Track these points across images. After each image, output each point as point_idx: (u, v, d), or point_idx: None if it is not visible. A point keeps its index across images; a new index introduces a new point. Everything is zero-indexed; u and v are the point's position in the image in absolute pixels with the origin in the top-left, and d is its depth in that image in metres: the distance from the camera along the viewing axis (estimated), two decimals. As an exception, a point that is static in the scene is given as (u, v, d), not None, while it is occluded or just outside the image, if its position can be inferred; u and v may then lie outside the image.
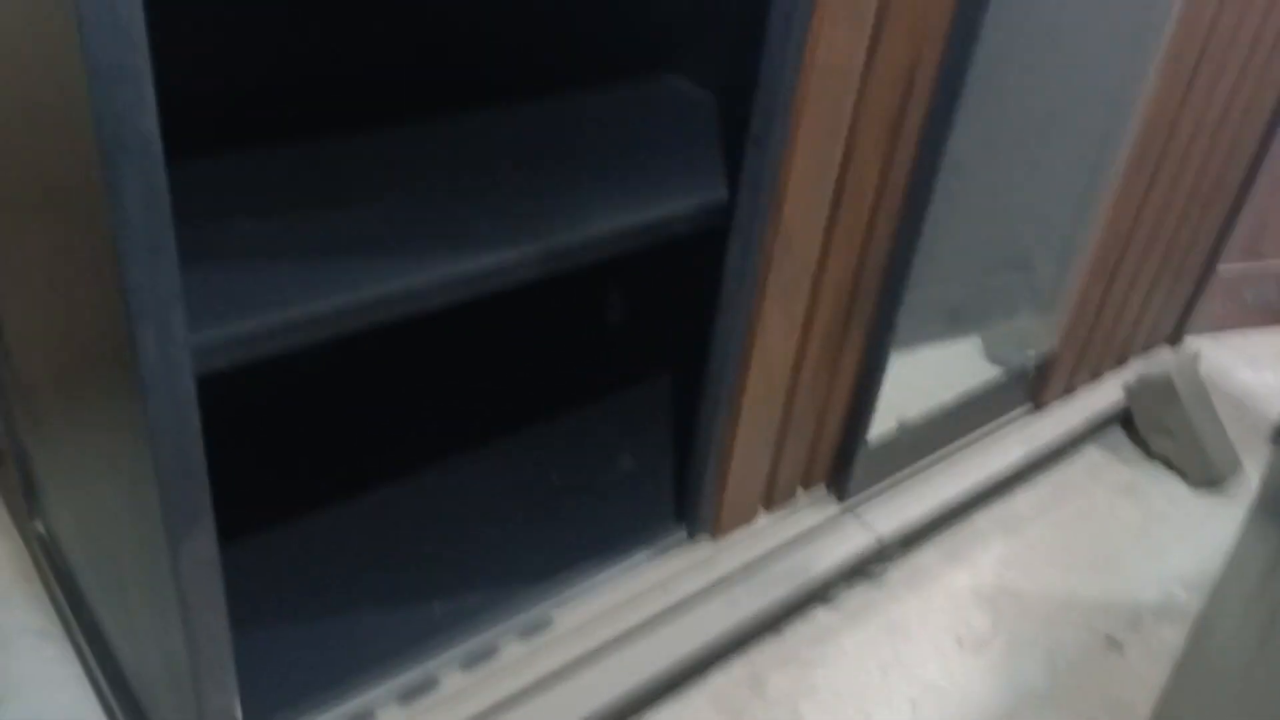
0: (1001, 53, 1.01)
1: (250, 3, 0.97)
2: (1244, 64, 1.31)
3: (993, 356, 1.40)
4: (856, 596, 1.21)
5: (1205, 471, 1.46)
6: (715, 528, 1.12)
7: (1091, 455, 1.51)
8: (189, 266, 0.58)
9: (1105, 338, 1.48)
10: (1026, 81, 1.20)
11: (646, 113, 1.06)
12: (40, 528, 1.04)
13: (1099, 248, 1.32)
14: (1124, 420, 1.55)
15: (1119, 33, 1.20)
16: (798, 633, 1.16)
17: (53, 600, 1.02)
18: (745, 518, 1.15)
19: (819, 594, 1.18)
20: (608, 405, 1.29)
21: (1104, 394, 1.51)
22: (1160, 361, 1.55)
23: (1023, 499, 1.41)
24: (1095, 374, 1.52)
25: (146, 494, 0.65)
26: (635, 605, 1.03)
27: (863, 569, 1.22)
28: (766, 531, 1.16)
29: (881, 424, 1.19)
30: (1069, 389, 1.48)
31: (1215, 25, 1.22)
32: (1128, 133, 1.23)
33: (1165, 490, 1.47)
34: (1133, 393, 1.50)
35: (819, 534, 1.18)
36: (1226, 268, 1.63)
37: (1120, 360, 1.56)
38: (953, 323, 1.42)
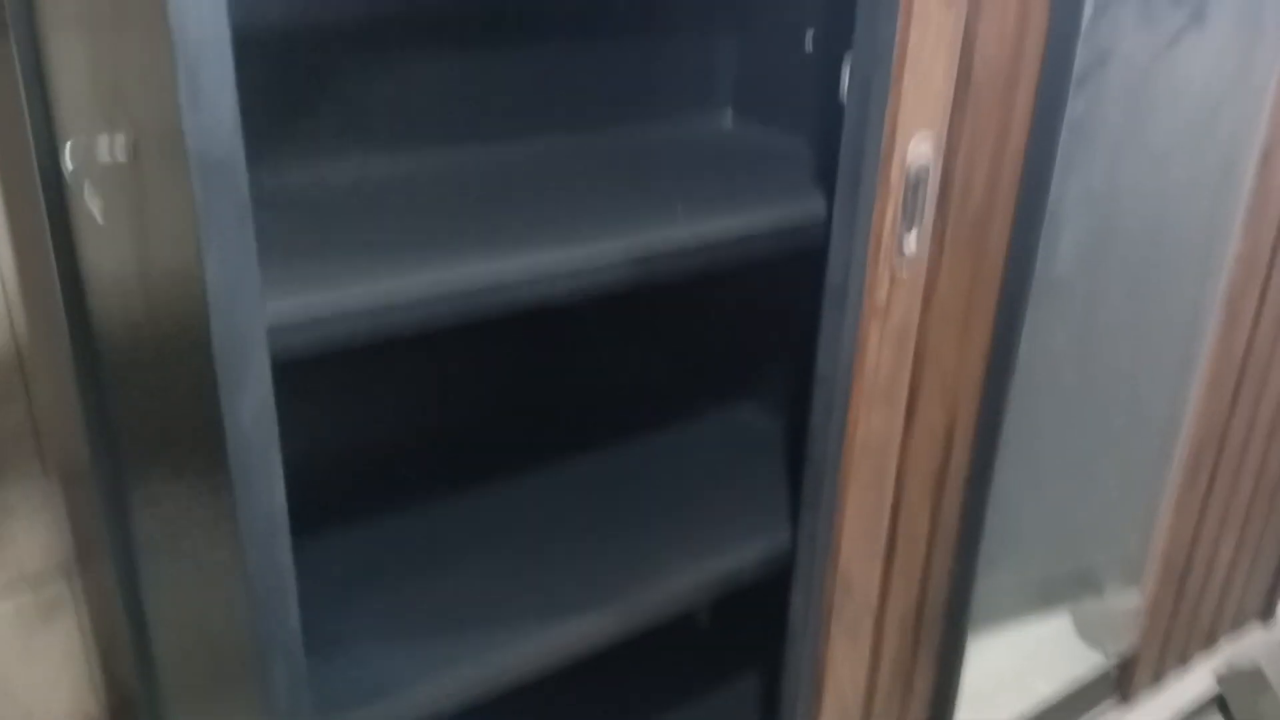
0: (1034, 401, 1.11)
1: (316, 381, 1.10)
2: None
3: (1079, 634, 1.42)
4: None
5: (1310, 766, 1.43)
6: None
7: (1187, 747, 1.49)
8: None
9: (1190, 623, 1.49)
10: (1066, 413, 1.29)
11: (716, 453, 1.16)
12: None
13: (1169, 540, 1.36)
14: (1219, 704, 1.53)
15: (1155, 364, 1.29)
16: None
17: None
18: (830, 836, 1.18)
19: None
20: (692, 707, 1.35)
21: (1194, 682, 1.51)
22: (1250, 648, 1.54)
23: (1118, 800, 1.39)
24: (1184, 659, 1.52)
25: None
26: None
27: None
28: None
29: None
30: (1157, 677, 1.48)
31: (1251, 345, 1.30)
32: (1180, 444, 1.30)
33: (1269, 786, 1.43)
34: (1224, 682, 1.49)
35: None
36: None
37: (1209, 642, 1.56)
38: (1024, 608, 1.45)
